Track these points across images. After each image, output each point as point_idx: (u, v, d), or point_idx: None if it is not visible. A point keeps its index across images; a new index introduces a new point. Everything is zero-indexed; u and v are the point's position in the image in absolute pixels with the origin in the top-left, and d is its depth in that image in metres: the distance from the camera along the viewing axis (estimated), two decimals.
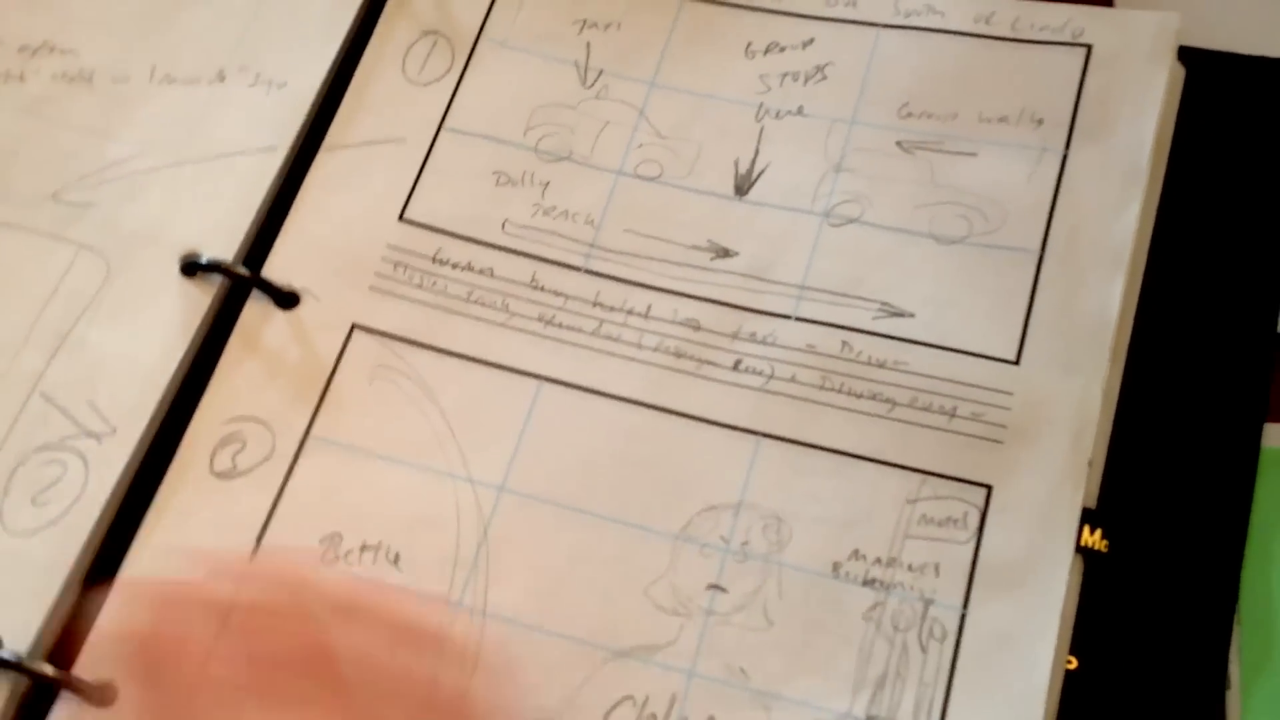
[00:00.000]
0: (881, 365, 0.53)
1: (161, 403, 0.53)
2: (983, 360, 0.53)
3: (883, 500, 0.51)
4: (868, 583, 0.50)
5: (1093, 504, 0.51)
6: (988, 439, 0.52)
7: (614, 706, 0.48)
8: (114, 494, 0.52)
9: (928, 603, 0.49)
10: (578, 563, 0.51)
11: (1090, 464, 0.51)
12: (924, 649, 0.49)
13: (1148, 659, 0.49)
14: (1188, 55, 0.58)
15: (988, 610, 0.49)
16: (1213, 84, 0.58)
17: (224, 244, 0.56)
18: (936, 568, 0.50)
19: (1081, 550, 0.50)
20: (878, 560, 0.50)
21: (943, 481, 0.51)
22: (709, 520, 0.51)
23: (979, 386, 0.52)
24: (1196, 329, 0.53)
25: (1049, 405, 0.52)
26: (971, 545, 0.50)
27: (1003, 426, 0.52)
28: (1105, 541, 0.50)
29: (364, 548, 0.52)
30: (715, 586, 0.50)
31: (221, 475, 0.53)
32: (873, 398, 0.53)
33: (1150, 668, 0.49)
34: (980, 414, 0.52)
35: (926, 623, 0.49)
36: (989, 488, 0.51)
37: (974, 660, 0.48)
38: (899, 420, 0.52)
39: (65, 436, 0.53)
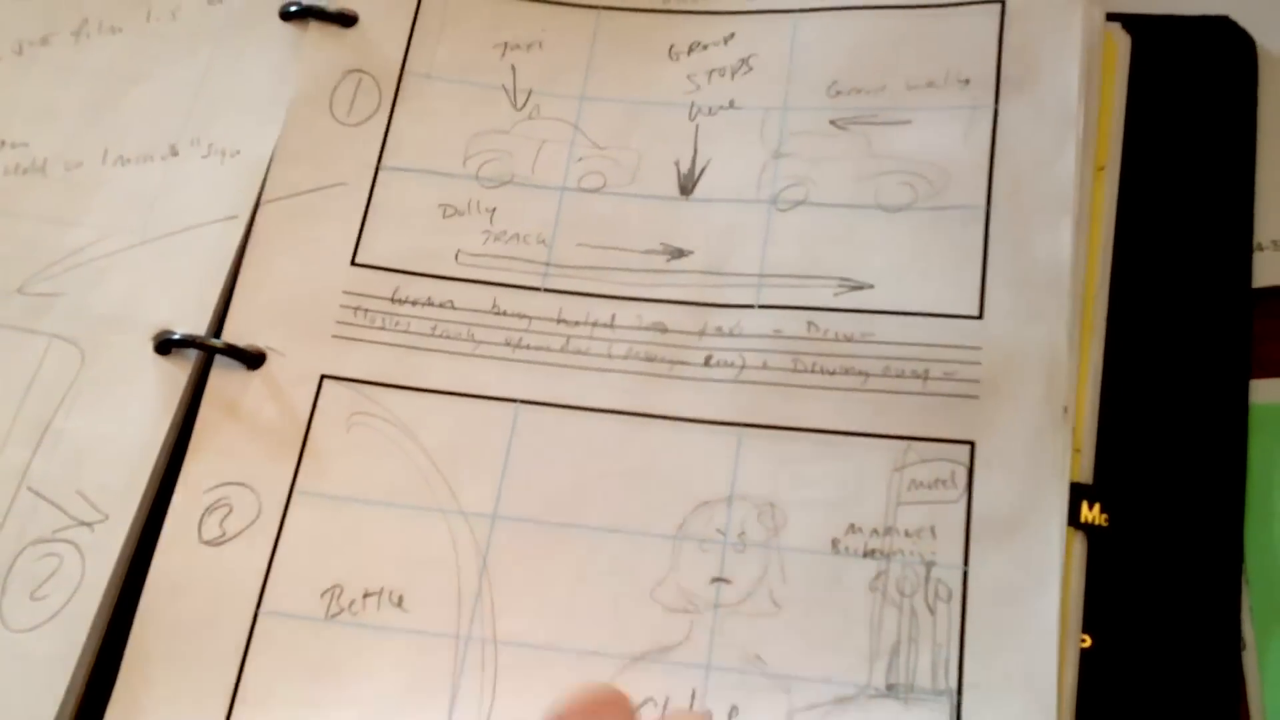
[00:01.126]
0: (849, 339, 0.53)
1: (150, 483, 0.53)
2: (947, 320, 0.53)
3: (871, 472, 0.51)
4: (868, 554, 0.50)
5: (1089, 478, 0.51)
6: (963, 395, 0.52)
7: (636, 710, 0.48)
8: (112, 580, 0.52)
9: (929, 565, 0.50)
10: (580, 578, 0.51)
11: (1081, 441, 0.51)
12: (932, 611, 0.49)
13: (1161, 628, 0.49)
14: (1131, 22, 0.58)
15: (989, 564, 0.49)
16: (1159, 47, 0.58)
17: (195, 318, 0.56)
18: (933, 530, 0.50)
19: (1083, 527, 0.50)
20: (874, 531, 0.50)
21: (926, 444, 0.51)
22: (704, 516, 0.52)
23: (947, 345, 0.53)
24: (1173, 294, 0.54)
25: (1017, 354, 0.52)
26: (963, 503, 0.50)
27: (975, 381, 0.52)
28: (1105, 516, 0.50)
29: (366, 595, 0.52)
30: (719, 579, 0.51)
31: (211, 543, 0.52)
32: (846, 373, 0.53)
33: (1165, 637, 0.49)
34: (952, 372, 0.52)
35: (931, 585, 0.49)
36: (972, 444, 0.51)
37: (982, 615, 0.49)
38: (875, 390, 0.53)
39: (57, 528, 0.52)
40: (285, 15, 0.62)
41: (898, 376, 0.53)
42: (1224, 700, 0.48)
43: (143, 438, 0.54)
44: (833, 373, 0.53)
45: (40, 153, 0.60)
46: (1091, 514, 0.50)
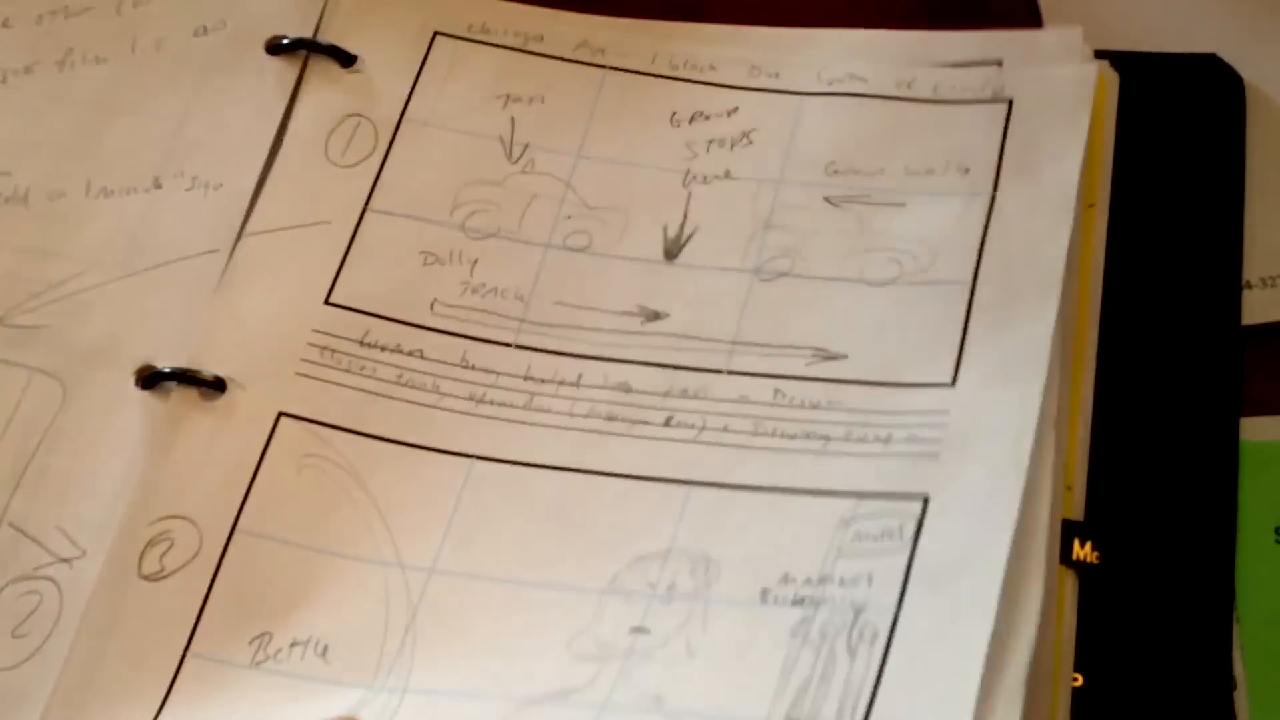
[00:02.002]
0: (815, 407, 0.53)
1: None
2: (918, 388, 0.53)
3: (815, 526, 0.50)
4: (796, 602, 0.49)
5: (1079, 516, 0.51)
6: (924, 454, 0.51)
7: None
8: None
9: (859, 610, 0.48)
10: (502, 630, 0.50)
11: (1073, 478, 0.51)
12: (852, 653, 0.47)
13: (1152, 666, 0.49)
14: (1119, 60, 0.58)
15: (922, 608, 0.47)
16: (1146, 83, 0.58)
17: (177, 352, 0.55)
18: (870, 577, 0.48)
19: (1074, 564, 0.49)
20: (808, 580, 0.49)
21: (878, 500, 0.50)
22: (638, 570, 0.51)
23: (914, 412, 0.52)
24: (1163, 330, 0.54)
25: (986, 416, 0.51)
26: (906, 552, 0.49)
27: (938, 441, 0.51)
28: (1096, 553, 0.50)
29: (293, 644, 0.50)
30: (638, 629, 0.49)
31: (149, 578, 0.51)
32: (806, 437, 0.52)
33: (1156, 675, 0.49)
34: (916, 435, 0.51)
35: (857, 628, 0.48)
36: (925, 498, 0.50)
37: (905, 657, 0.46)
38: (833, 454, 0.52)
39: (38, 565, 0.52)
40: (273, 49, 0.62)
41: (859, 441, 0.52)
42: None
43: (123, 472, 0.53)
44: (793, 436, 0.52)
45: (23, 182, 0.60)
46: (1083, 551, 0.50)
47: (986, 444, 0.50)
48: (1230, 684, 0.48)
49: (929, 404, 0.52)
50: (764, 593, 0.49)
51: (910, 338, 0.54)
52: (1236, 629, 0.49)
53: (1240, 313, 0.54)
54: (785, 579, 0.49)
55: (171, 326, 0.56)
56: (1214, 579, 0.50)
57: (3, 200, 0.59)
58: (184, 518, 0.52)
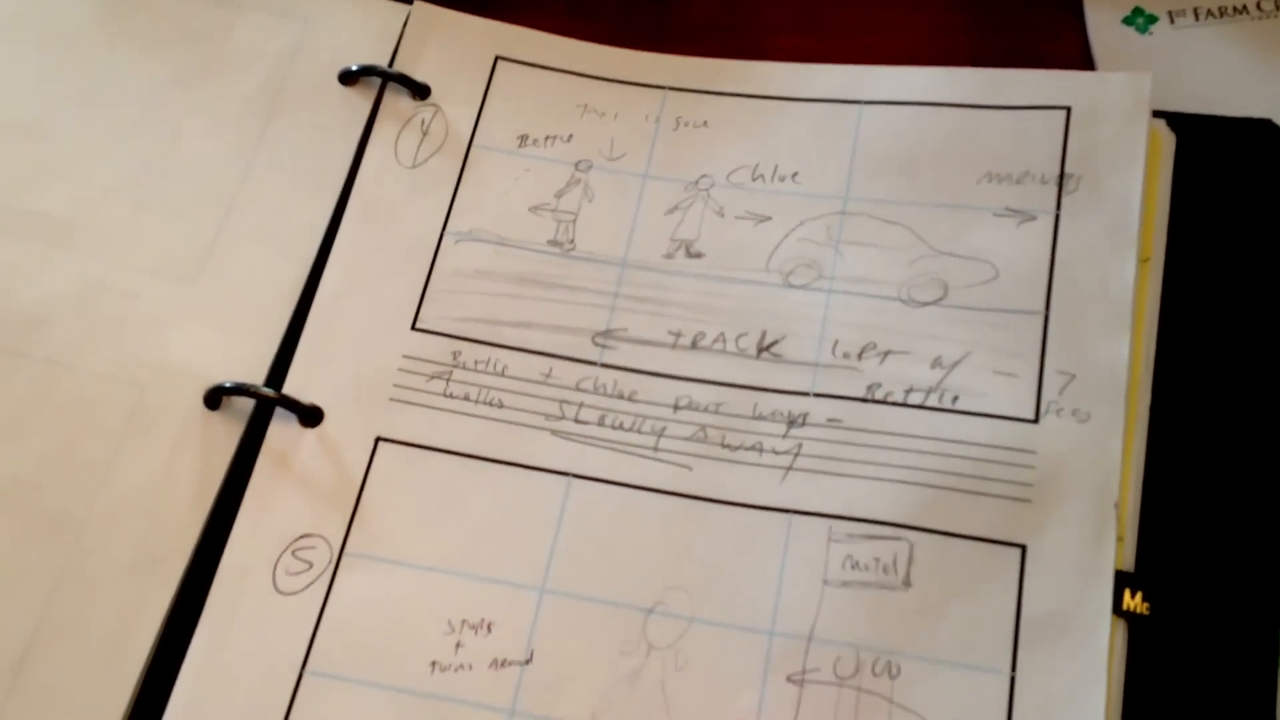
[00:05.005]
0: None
1: (201, 535, 0.54)
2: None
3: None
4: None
5: (1131, 567, 0.51)
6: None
7: None
8: (160, 631, 0.52)
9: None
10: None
11: (1124, 529, 0.52)
12: None
13: (1199, 719, 0.49)
14: (1176, 121, 0.59)
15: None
16: (1203, 146, 0.59)
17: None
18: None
19: (1124, 614, 0.50)
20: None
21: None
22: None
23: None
24: (1216, 385, 0.54)
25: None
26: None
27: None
28: (1146, 604, 0.51)
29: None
30: None
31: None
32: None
33: None
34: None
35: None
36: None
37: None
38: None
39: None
40: (346, 79, 0.63)
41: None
42: None
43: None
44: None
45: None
46: (1134, 602, 0.51)
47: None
48: None
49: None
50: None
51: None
52: None
53: None
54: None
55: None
56: (1261, 635, 0.50)
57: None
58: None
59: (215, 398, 0.56)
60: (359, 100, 0.63)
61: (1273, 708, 0.49)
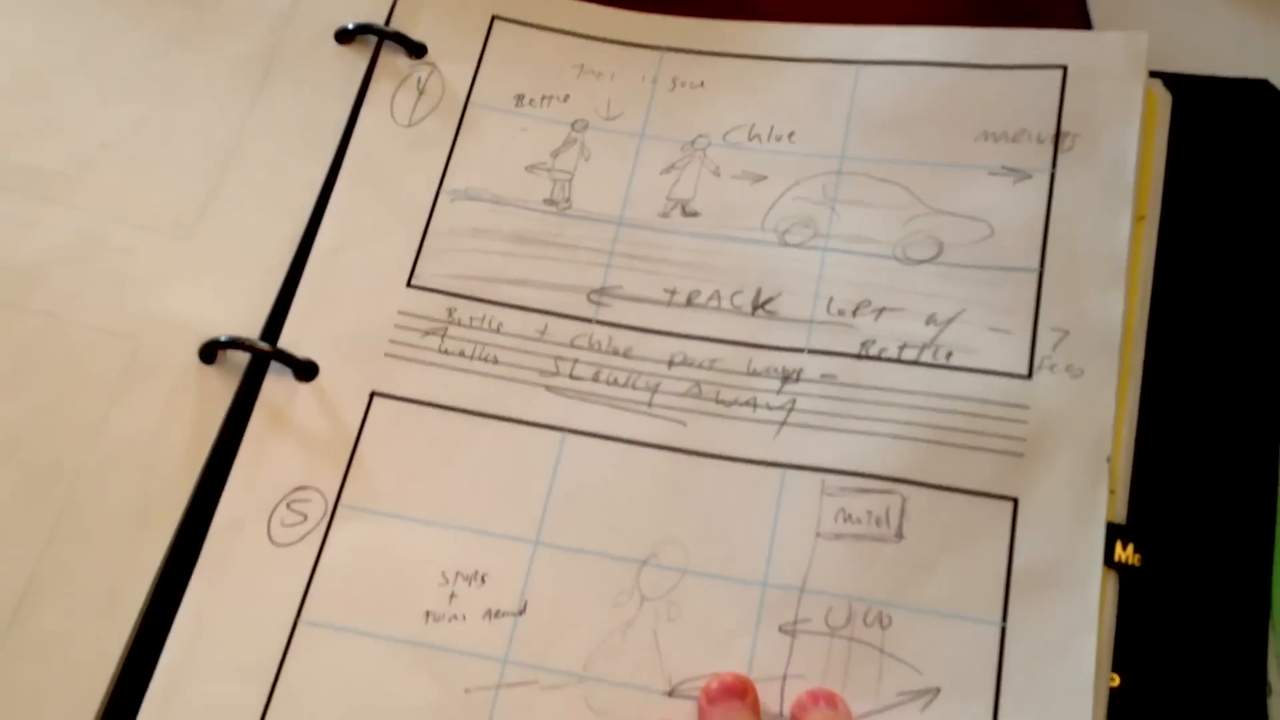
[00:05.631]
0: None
1: (196, 487, 0.54)
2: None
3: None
4: None
5: (1122, 519, 0.51)
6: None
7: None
8: (154, 581, 0.52)
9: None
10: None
11: (1116, 482, 0.52)
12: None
13: (1188, 669, 0.50)
14: (1173, 81, 0.59)
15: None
16: (1199, 106, 0.59)
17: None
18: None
19: (1115, 566, 0.50)
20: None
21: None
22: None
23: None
24: (1209, 342, 0.54)
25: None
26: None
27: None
28: (1138, 556, 0.51)
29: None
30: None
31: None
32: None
33: (1191, 678, 0.49)
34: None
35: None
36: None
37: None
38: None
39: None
40: (343, 38, 0.63)
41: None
42: None
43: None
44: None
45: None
46: (1125, 554, 0.51)
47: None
48: (1264, 689, 0.49)
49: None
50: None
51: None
52: (1271, 637, 0.50)
53: None
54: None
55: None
56: (1251, 586, 0.51)
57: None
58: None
59: (210, 352, 0.56)
60: (355, 59, 0.63)
61: (1263, 658, 0.50)
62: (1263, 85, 0.59)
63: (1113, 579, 0.50)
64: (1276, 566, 0.51)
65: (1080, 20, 0.63)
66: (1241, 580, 0.51)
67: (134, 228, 0.59)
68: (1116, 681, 0.49)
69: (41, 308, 0.57)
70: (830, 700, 0.49)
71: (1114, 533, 0.51)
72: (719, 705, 0.49)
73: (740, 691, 0.49)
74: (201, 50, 0.63)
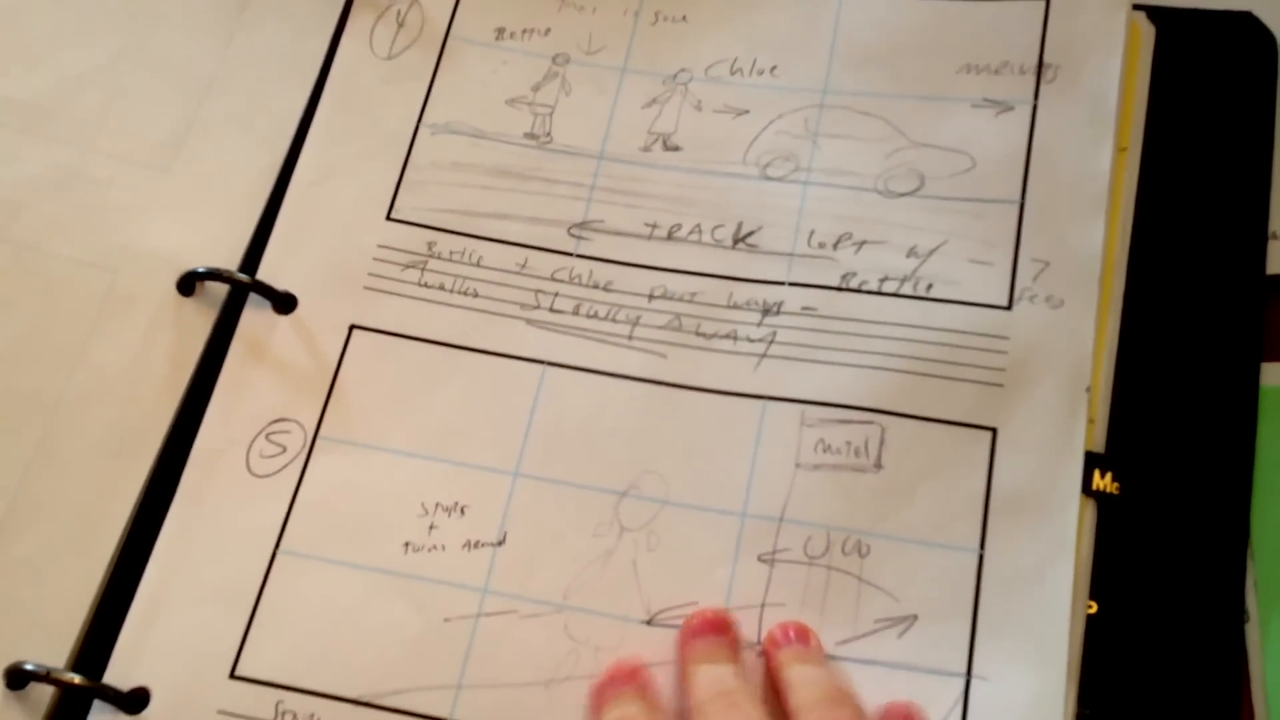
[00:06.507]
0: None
1: (175, 418, 0.54)
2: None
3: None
4: None
5: (1101, 448, 0.51)
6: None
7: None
8: (133, 511, 0.53)
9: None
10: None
11: (1095, 412, 0.52)
12: None
13: (1166, 597, 0.50)
14: (1156, 13, 0.59)
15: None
16: (1183, 38, 0.59)
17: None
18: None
19: (1094, 494, 0.50)
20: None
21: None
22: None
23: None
24: (1189, 276, 0.54)
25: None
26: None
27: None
28: (1116, 484, 0.51)
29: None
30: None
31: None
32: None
33: (1169, 605, 0.50)
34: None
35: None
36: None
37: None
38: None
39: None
40: None
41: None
42: (1226, 669, 0.49)
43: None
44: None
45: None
46: (1103, 482, 0.51)
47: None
48: (1242, 616, 0.50)
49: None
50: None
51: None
52: (1251, 564, 0.50)
53: (1265, 262, 0.55)
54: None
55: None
56: (1229, 515, 0.51)
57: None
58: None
59: (189, 283, 0.56)
60: None
61: (1241, 587, 0.50)
62: (1246, 17, 0.59)
63: (1091, 507, 0.50)
64: (1255, 496, 0.51)
65: None
66: (1220, 509, 0.51)
67: (112, 159, 0.58)
68: (1094, 609, 0.49)
69: (19, 239, 0.56)
70: (802, 634, 0.49)
71: (1093, 461, 0.51)
72: (699, 639, 0.49)
73: (721, 627, 0.49)
74: None
